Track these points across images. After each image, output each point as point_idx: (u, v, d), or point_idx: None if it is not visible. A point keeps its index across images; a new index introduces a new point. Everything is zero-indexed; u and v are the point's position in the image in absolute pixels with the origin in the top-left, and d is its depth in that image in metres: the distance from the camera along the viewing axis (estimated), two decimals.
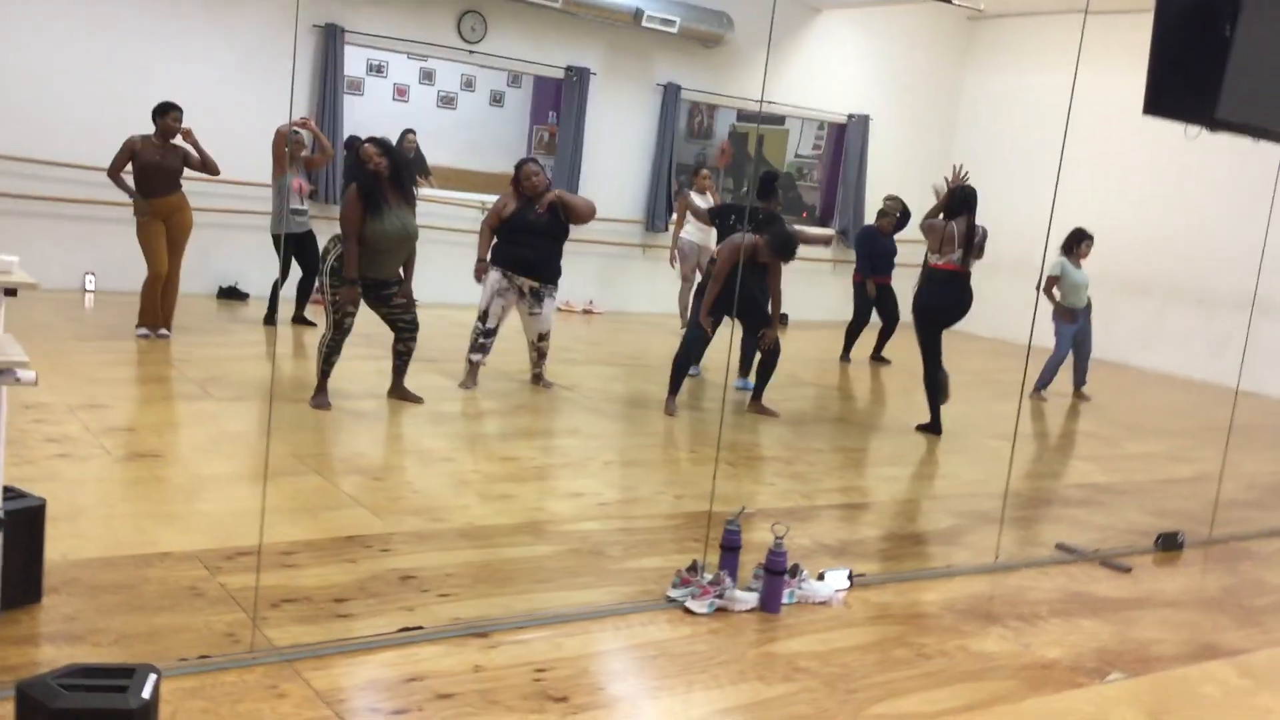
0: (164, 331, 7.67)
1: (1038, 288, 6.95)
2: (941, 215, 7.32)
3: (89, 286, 9.07)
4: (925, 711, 3.29)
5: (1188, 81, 4.62)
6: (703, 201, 9.97)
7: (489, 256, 7.14)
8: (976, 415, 8.13)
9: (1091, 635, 4.04)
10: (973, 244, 7.23)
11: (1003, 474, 5.29)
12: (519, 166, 7.17)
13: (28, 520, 3.22)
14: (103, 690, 2.28)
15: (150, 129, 7.54)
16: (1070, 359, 9.26)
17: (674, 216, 10.71)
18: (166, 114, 7.50)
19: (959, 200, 7.28)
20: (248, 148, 8.72)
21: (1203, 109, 4.63)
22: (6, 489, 3.25)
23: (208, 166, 7.67)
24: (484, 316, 7.14)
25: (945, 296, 7.25)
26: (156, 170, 7.51)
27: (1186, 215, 11.46)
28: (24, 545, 3.17)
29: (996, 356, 11.21)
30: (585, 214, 7.25)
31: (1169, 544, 5.24)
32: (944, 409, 7.42)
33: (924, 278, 7.43)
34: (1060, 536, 5.29)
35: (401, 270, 6.40)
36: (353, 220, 6.07)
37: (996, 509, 5.26)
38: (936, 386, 7.41)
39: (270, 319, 8.55)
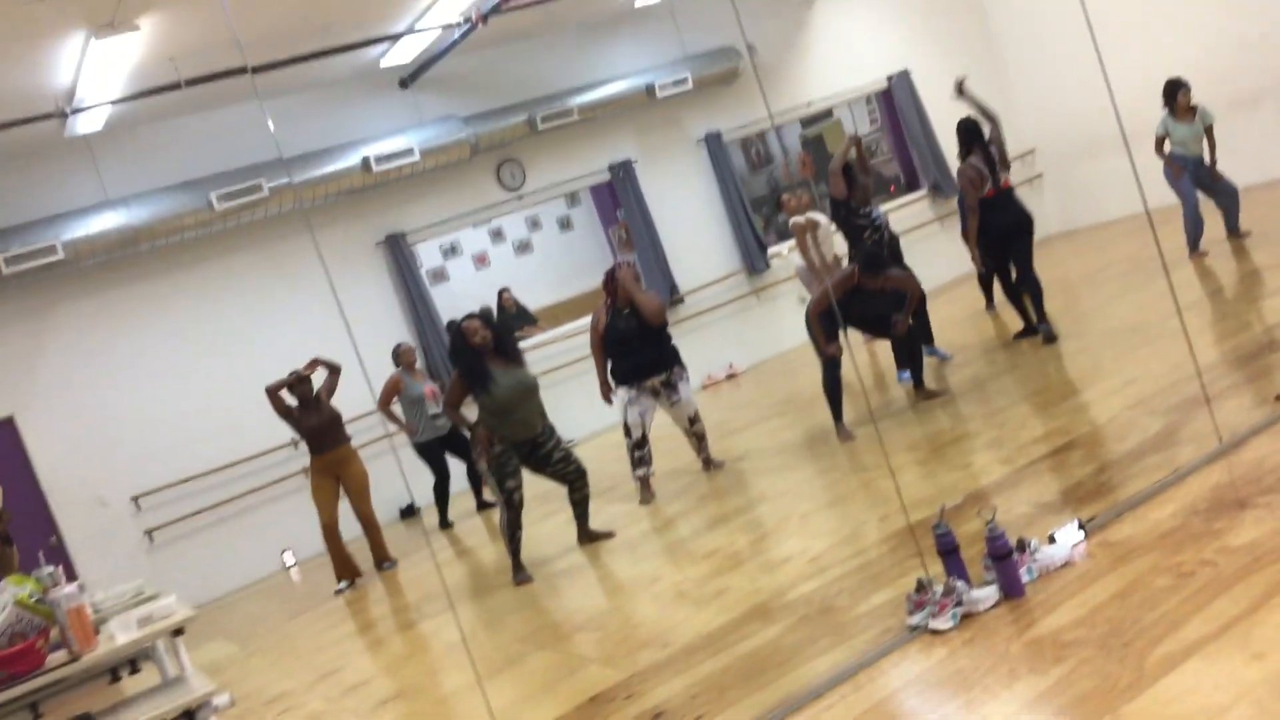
0: (388, 564, 8.01)
1: (1126, 152, 6.66)
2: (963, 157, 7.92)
3: (289, 563, 9.48)
4: (1209, 632, 3.06)
5: None
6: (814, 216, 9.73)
7: (610, 374, 7.19)
8: (1147, 300, 7.74)
9: None
10: (994, 164, 7.69)
11: (1193, 350, 4.98)
12: (612, 273, 7.17)
13: None
14: None
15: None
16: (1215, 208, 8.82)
17: (783, 251, 10.73)
18: (285, 383, 7.88)
19: (962, 137, 7.88)
20: (364, 376, 9.06)
21: None
22: None
23: (333, 369, 8.03)
24: (629, 430, 7.17)
25: (1000, 218, 7.75)
26: (316, 428, 7.89)
27: (1265, 11, 10.81)
28: None
29: (1137, 233, 10.66)
30: (653, 312, 7.04)
31: None
32: (1112, 304, 7.54)
33: (982, 208, 7.79)
34: (1277, 388, 4.94)
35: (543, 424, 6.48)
36: (452, 397, 6.43)
37: (1201, 390, 4.94)
38: (1031, 289, 7.83)
39: (444, 523, 8.83)
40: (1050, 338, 7.63)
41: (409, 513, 9.87)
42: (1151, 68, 8.83)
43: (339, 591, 7.79)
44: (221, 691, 2.47)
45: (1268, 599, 3.12)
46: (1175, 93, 8.68)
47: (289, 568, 9.46)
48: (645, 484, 7.18)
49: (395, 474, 8.81)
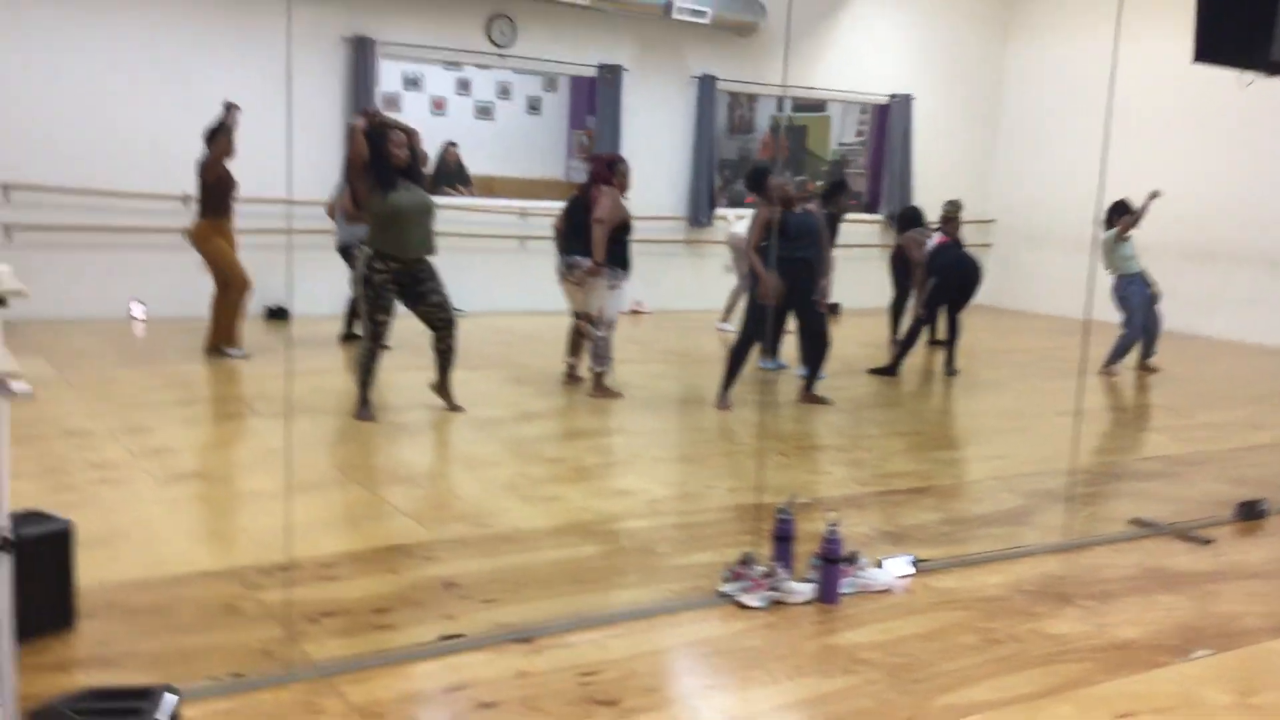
0: (237, 351, 7.82)
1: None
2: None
3: (136, 314, 9.09)
4: (996, 699, 3.09)
5: (1238, 23, 4.37)
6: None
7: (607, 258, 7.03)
8: (1043, 393, 7.89)
9: (1171, 611, 3.81)
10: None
11: (1070, 452, 5.07)
12: (617, 164, 7.12)
13: (52, 544, 3.14)
14: (117, 714, 2.17)
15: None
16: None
17: (729, 217, 10.63)
18: (214, 138, 7.62)
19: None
20: (287, 162, 8.68)
21: (1255, 51, 4.38)
22: (32, 513, 3.18)
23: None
24: (610, 323, 7.11)
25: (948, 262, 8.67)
26: (230, 188, 7.76)
27: (1244, 178, 11.07)
28: (50, 570, 3.09)
29: (1056, 334, 10.88)
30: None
31: (1250, 513, 4.97)
32: (1007, 386, 8.02)
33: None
34: (1134, 511, 5.04)
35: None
36: (358, 196, 6.03)
37: (1064, 487, 5.03)
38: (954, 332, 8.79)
39: (350, 335, 8.49)
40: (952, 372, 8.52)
41: (278, 315, 9.55)
42: (1136, 189, 8.88)
43: (243, 356, 7.67)
44: (20, 378, 2.25)
45: (1059, 690, 3.17)
46: (1125, 212, 8.68)
47: (134, 318, 9.07)
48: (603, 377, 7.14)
49: (279, 270, 8.44)
